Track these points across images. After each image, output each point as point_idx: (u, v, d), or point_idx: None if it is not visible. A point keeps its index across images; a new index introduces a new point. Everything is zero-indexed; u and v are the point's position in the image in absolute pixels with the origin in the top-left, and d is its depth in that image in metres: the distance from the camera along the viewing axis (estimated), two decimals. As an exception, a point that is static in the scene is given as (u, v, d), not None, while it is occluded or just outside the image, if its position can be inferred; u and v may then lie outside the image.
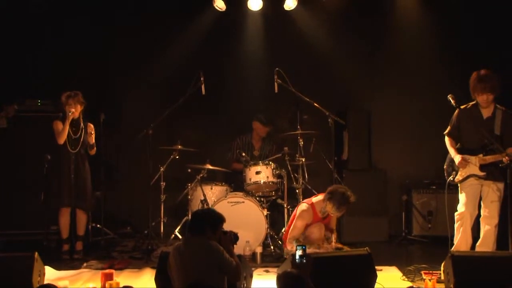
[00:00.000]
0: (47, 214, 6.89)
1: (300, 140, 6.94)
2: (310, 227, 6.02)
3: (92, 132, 6.72)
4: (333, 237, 6.30)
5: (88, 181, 6.74)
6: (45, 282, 5.02)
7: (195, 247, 4.31)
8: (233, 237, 4.63)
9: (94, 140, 6.74)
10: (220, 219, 4.52)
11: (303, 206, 6.13)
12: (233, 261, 4.40)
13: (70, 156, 6.61)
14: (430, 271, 5.55)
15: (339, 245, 6.24)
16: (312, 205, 6.08)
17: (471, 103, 5.77)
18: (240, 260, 4.60)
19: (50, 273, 5.61)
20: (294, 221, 6.10)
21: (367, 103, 8.13)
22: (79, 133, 6.68)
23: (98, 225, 7.36)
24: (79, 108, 6.64)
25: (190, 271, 4.21)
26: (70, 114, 6.54)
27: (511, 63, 7.16)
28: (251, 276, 4.90)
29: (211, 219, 4.47)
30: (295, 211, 6.28)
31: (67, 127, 6.56)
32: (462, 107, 5.74)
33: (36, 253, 4.96)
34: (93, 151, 6.78)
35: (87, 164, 6.76)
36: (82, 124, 6.71)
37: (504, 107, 5.70)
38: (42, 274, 5.07)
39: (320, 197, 6.08)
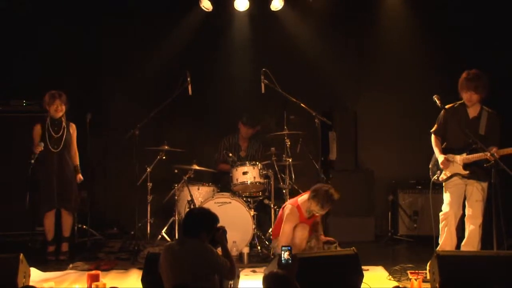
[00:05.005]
0: (32, 215, 6.84)
1: (287, 141, 6.96)
2: (293, 228, 5.97)
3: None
4: (321, 229, 6.32)
5: (73, 181, 6.69)
6: (31, 283, 4.99)
7: (189, 249, 4.28)
8: (223, 231, 4.63)
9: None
10: (215, 221, 4.51)
11: (288, 209, 6.06)
12: (227, 262, 4.40)
13: (53, 156, 6.57)
14: (416, 271, 5.58)
15: (330, 239, 6.21)
16: (298, 207, 6.03)
17: (458, 102, 5.82)
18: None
19: (36, 275, 5.58)
20: (282, 226, 6.03)
21: (353, 104, 8.16)
22: (60, 133, 6.63)
23: (84, 226, 7.34)
24: (63, 108, 6.60)
25: (184, 273, 4.19)
26: (37, 151, 6.47)
27: (497, 63, 7.21)
28: (238, 277, 4.89)
29: (206, 222, 4.45)
30: (280, 211, 6.27)
31: (39, 150, 6.49)
32: (448, 106, 5.78)
33: (21, 255, 4.94)
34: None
35: (71, 163, 6.72)
36: (64, 123, 6.66)
37: (490, 108, 5.75)
38: (27, 275, 5.04)
39: (305, 196, 6.06)
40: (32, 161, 6.42)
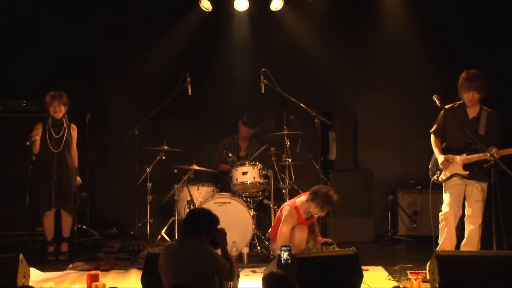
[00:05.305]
0: (32, 215, 6.84)
1: (287, 141, 6.96)
2: (292, 229, 6.01)
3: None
4: (317, 230, 6.34)
5: (72, 182, 6.68)
6: (30, 283, 4.98)
7: (189, 249, 4.27)
8: (224, 233, 4.63)
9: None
10: (215, 221, 4.50)
11: (286, 210, 6.09)
12: (226, 263, 4.40)
13: (53, 156, 6.56)
14: (416, 271, 5.58)
15: (328, 240, 6.26)
16: (296, 208, 6.07)
17: (458, 102, 5.82)
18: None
19: (35, 275, 5.58)
20: (280, 227, 6.08)
21: (353, 104, 8.16)
22: (61, 133, 6.63)
23: (84, 226, 7.33)
24: (63, 109, 6.60)
25: (183, 273, 4.18)
26: (33, 139, 6.46)
27: (497, 63, 7.22)
28: (238, 277, 4.90)
29: (207, 223, 4.44)
30: (278, 212, 6.28)
31: (38, 142, 6.50)
32: (448, 106, 5.78)
33: (21, 255, 4.92)
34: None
35: (71, 164, 6.70)
36: (65, 124, 6.67)
37: (490, 108, 5.75)
38: (27, 275, 5.03)
39: (303, 197, 6.08)
40: (28, 142, 6.41)
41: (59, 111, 6.59)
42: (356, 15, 8.08)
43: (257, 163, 6.93)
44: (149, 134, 7.53)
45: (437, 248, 5.64)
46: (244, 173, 6.84)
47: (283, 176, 7.00)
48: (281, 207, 6.28)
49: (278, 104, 7.33)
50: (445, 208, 5.75)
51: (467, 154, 5.64)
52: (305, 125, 7.10)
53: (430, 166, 5.94)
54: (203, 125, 8.14)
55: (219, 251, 4.54)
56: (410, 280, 5.33)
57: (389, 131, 8.19)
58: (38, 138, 6.50)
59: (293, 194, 6.79)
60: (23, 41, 7.79)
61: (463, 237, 5.76)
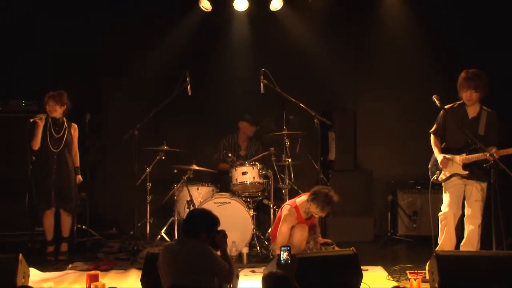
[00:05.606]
0: (31, 215, 6.84)
1: (286, 141, 6.96)
2: (293, 229, 6.02)
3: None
4: (318, 231, 6.35)
5: (72, 182, 6.68)
6: (30, 283, 4.99)
7: (189, 249, 4.28)
8: (224, 235, 4.63)
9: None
10: (215, 222, 4.50)
11: (286, 209, 6.10)
12: (226, 265, 4.39)
13: (53, 156, 6.56)
14: (415, 271, 5.58)
15: (328, 240, 6.27)
16: (296, 207, 6.07)
17: (457, 102, 5.82)
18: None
19: (35, 275, 5.58)
20: (279, 226, 6.09)
21: (352, 103, 8.16)
22: (61, 133, 6.63)
23: (84, 226, 7.33)
24: (58, 109, 6.58)
25: (183, 273, 4.18)
26: (36, 124, 6.47)
27: (497, 63, 7.22)
28: (237, 277, 4.89)
29: (206, 223, 4.44)
30: (279, 212, 6.29)
31: (39, 134, 6.49)
32: (448, 106, 5.78)
33: (21, 255, 4.92)
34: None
35: (71, 164, 6.70)
36: (66, 124, 6.67)
37: (490, 108, 5.75)
38: (26, 275, 5.04)
39: (304, 197, 6.08)
40: (31, 120, 6.42)
41: (54, 110, 6.57)
42: (356, 15, 8.09)
43: (257, 163, 6.93)
44: (149, 134, 7.53)
45: (437, 248, 5.64)
46: (244, 173, 6.84)
47: (282, 176, 6.99)
48: (281, 207, 6.28)
49: (278, 104, 7.33)
50: (444, 208, 5.75)
51: (466, 154, 5.64)
52: (304, 125, 7.10)
53: (429, 166, 5.94)
54: (203, 125, 8.14)
55: (218, 253, 4.54)
56: (409, 280, 5.32)
57: (389, 131, 8.19)
58: (41, 124, 6.49)
59: (292, 194, 6.79)
60: (23, 41, 7.80)
61: (462, 237, 5.76)
